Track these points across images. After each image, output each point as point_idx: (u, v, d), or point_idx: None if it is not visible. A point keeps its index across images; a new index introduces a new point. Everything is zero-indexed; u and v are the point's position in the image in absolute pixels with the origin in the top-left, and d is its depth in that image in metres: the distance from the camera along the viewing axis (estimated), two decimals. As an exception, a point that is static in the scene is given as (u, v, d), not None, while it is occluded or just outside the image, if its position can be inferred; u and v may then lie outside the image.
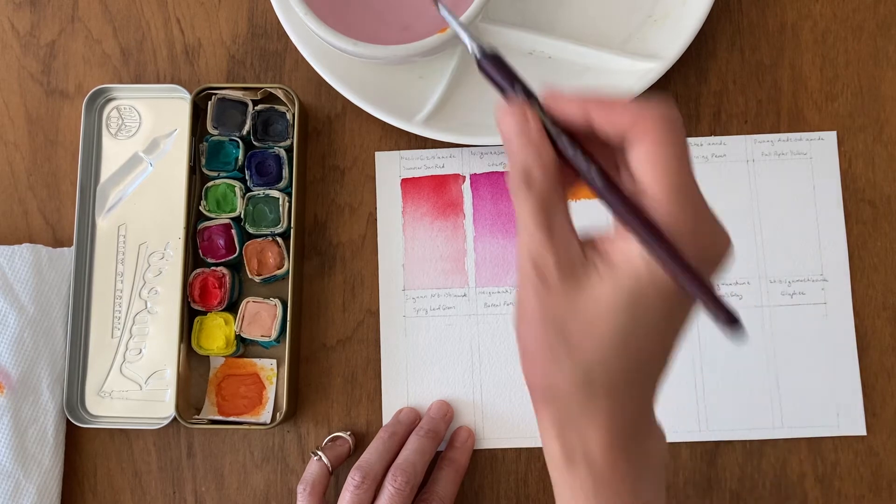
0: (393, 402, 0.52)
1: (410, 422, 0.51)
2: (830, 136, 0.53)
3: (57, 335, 0.52)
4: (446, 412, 0.51)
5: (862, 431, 0.51)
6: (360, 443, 0.52)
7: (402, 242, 0.54)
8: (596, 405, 0.32)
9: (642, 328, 0.31)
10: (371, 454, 0.48)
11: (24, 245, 0.52)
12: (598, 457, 0.33)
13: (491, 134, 0.51)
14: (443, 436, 0.50)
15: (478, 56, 0.34)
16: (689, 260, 0.29)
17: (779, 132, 0.54)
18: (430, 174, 0.54)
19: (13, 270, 0.51)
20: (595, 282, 0.31)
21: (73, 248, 0.53)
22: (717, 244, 0.32)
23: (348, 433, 0.51)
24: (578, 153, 0.32)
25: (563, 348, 0.32)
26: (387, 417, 0.52)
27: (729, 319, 0.29)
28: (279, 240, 0.52)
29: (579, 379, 0.32)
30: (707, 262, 0.31)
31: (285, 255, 0.51)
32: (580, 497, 0.33)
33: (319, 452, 0.49)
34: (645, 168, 0.30)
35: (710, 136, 0.54)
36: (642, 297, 0.31)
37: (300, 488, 0.47)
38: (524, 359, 0.34)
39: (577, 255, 0.32)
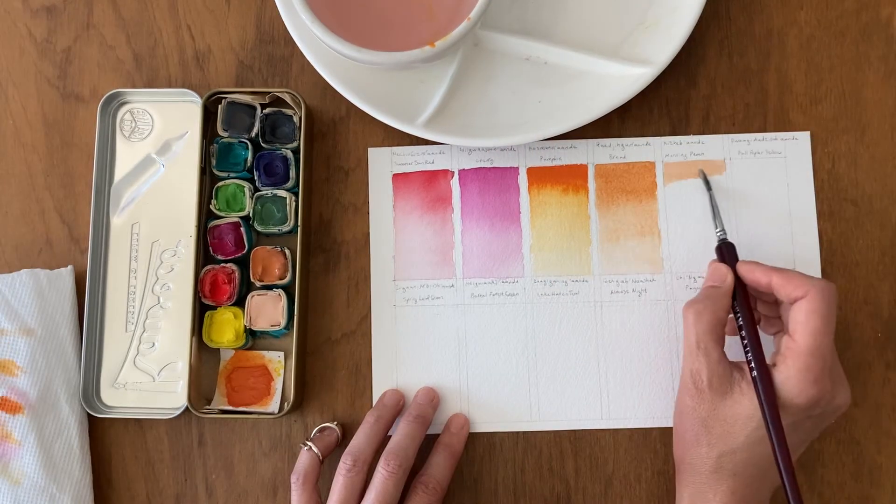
0: (382, 388, 0.54)
1: (394, 404, 0.52)
2: (804, 136, 0.55)
3: (67, 352, 0.53)
4: (433, 398, 0.53)
5: None
6: (351, 432, 0.53)
7: (392, 235, 0.55)
8: (721, 483, 0.44)
9: (767, 440, 0.43)
10: (360, 439, 0.49)
11: (22, 271, 0.53)
12: None
13: (488, 136, 0.53)
14: (430, 420, 0.52)
15: (718, 240, 0.50)
16: (787, 449, 0.42)
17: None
18: (420, 170, 0.56)
19: (15, 296, 0.52)
20: (737, 396, 0.44)
21: (70, 268, 0.54)
22: (835, 398, 0.44)
23: (335, 423, 0.53)
24: (745, 313, 0.46)
25: (705, 439, 0.44)
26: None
27: None
28: (287, 251, 0.53)
29: (713, 463, 0.44)
30: (820, 410, 0.43)
31: (289, 269, 0.53)
32: None
33: (309, 443, 0.50)
34: (799, 319, 0.43)
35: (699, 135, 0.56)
36: None
37: (293, 479, 0.49)
38: (677, 441, 0.47)
39: (726, 374, 0.44)
